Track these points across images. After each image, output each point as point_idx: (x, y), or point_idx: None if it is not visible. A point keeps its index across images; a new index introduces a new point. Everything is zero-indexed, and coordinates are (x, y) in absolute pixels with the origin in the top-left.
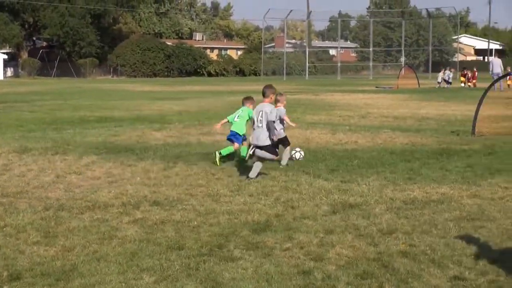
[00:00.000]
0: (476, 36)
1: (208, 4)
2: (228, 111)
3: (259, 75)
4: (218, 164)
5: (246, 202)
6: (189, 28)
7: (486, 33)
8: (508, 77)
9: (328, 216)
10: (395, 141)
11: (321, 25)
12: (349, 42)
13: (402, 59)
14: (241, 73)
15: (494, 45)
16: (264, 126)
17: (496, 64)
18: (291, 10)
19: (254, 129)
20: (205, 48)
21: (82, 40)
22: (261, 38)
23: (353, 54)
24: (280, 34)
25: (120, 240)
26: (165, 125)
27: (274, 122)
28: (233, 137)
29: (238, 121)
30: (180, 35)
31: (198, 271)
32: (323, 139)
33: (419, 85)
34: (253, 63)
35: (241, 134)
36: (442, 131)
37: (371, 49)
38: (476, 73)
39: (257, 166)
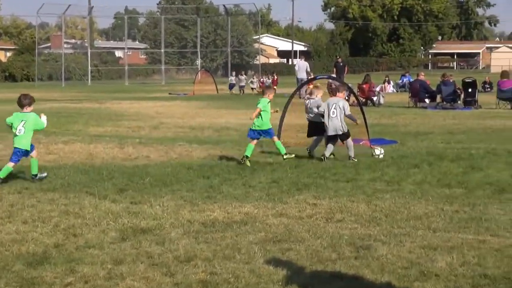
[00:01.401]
0: (279, 36)
1: None
2: None
3: (33, 80)
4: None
5: (19, 231)
6: None
7: (290, 33)
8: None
9: (117, 243)
10: (192, 155)
11: (105, 22)
12: (137, 42)
13: (198, 61)
14: (11, 78)
15: (299, 46)
16: (339, 116)
17: (302, 68)
18: (70, 5)
19: (329, 120)
20: None
21: None
22: (35, 37)
23: (142, 56)
24: (57, 33)
25: None
26: None
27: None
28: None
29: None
30: None
31: None
32: (110, 154)
33: (217, 90)
34: (25, 66)
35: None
36: (245, 142)
37: (162, 50)
38: (277, 78)
39: (330, 147)
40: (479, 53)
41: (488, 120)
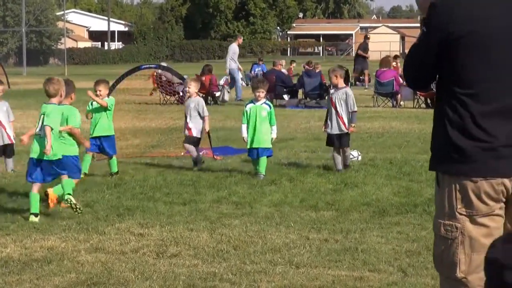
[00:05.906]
0: (91, 11)
1: None
2: None
3: None
4: None
5: None
6: None
7: (105, 7)
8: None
9: None
10: None
11: None
12: None
13: None
14: None
15: (117, 26)
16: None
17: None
18: None
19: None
20: None
21: None
22: None
23: None
24: None
25: None
26: None
27: None
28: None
29: None
30: None
31: None
32: None
33: (9, 85)
34: None
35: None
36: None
37: None
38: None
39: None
40: (351, 35)
41: (363, 122)
